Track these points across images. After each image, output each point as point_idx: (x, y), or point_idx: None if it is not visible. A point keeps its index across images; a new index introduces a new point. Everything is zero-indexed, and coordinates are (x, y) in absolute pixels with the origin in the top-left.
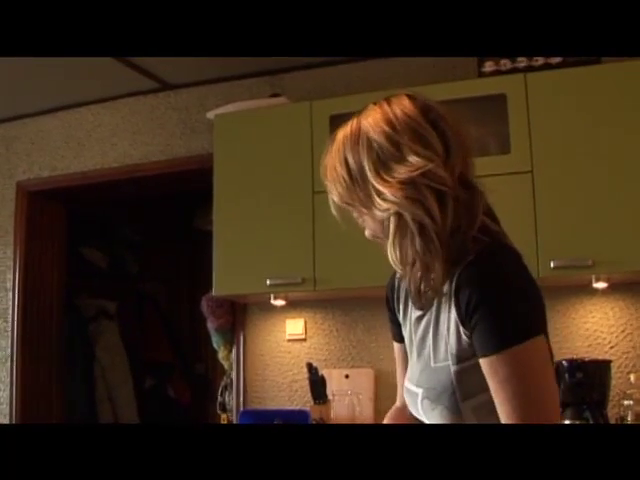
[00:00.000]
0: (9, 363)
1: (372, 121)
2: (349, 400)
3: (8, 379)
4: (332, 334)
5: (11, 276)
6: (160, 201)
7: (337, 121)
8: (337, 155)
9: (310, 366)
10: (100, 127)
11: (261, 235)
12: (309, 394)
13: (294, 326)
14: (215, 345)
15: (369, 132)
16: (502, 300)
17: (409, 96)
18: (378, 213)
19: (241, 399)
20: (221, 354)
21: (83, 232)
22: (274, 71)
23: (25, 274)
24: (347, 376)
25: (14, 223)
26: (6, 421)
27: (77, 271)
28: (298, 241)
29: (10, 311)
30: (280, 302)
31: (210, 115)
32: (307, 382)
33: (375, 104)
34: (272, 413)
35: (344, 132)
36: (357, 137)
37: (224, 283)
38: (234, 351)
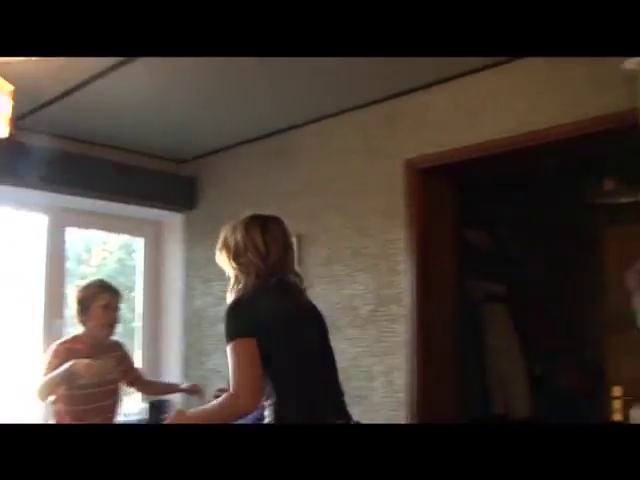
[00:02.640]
0: (406, 349)
1: (239, 231)
2: None
3: (405, 366)
4: None
5: (403, 259)
6: (542, 174)
7: None
8: (226, 237)
9: None
10: (494, 94)
11: None
12: None
13: None
14: None
15: (238, 235)
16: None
17: (263, 223)
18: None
19: None
20: None
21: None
22: None
23: (421, 257)
24: None
25: (405, 204)
26: (403, 411)
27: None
28: None
29: (406, 295)
30: None
31: (629, 65)
32: None
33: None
34: None
35: (230, 230)
36: (235, 236)
37: None
38: None
